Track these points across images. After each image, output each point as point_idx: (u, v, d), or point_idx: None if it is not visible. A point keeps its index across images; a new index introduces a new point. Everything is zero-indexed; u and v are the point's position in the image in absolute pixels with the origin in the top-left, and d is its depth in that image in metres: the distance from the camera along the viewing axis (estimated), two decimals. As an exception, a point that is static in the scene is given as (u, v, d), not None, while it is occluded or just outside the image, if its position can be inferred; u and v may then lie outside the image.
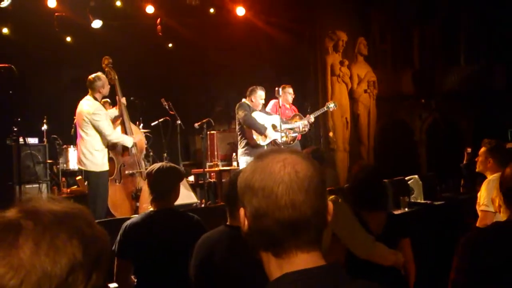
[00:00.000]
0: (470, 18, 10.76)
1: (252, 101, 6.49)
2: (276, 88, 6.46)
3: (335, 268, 1.03)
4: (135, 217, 3.08)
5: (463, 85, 10.61)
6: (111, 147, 5.78)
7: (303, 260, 1.02)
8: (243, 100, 6.55)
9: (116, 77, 5.88)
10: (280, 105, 6.53)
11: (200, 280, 2.29)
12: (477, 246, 2.04)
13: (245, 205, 1.06)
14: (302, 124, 6.78)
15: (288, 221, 1.00)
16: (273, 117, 6.56)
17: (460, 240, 2.12)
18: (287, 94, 7.04)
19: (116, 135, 5.65)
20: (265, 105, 6.75)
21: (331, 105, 7.23)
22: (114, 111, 6.03)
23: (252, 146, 6.40)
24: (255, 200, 1.02)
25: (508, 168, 2.14)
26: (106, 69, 5.90)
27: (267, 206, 1.01)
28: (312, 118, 6.99)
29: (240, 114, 6.40)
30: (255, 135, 6.41)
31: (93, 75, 5.64)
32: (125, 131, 5.88)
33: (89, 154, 5.51)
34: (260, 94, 6.48)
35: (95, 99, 5.59)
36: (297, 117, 7.03)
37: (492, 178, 3.69)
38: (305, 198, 1.01)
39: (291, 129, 6.72)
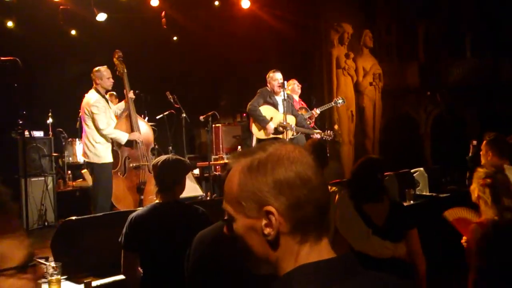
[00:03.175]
0: (476, 10, 10.68)
1: (269, 85, 6.47)
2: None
3: (347, 259, 1.03)
4: (141, 209, 3.08)
5: (468, 77, 10.54)
6: (115, 141, 5.79)
7: (324, 246, 1.04)
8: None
9: (125, 70, 5.91)
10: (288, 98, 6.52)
11: (198, 277, 2.26)
12: (493, 242, 1.95)
13: (275, 201, 1.01)
14: (321, 134, 6.67)
15: (322, 203, 1.03)
16: (288, 116, 6.38)
17: (478, 237, 2.04)
18: (294, 85, 7.04)
19: (109, 130, 5.64)
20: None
21: (339, 100, 7.20)
22: (122, 105, 6.05)
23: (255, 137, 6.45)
24: (294, 191, 1.01)
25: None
26: (115, 62, 5.93)
27: (308, 191, 1.01)
28: (318, 111, 7.01)
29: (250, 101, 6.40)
30: (254, 128, 6.39)
31: (95, 68, 5.69)
32: (131, 126, 5.87)
33: (91, 146, 5.59)
34: (272, 76, 6.42)
35: (97, 91, 5.66)
36: (303, 109, 7.02)
37: None
38: (323, 178, 1.06)
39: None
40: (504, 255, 1.89)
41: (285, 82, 6.33)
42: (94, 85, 5.69)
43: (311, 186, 1.02)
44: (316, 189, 1.02)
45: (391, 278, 1.05)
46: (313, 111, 6.98)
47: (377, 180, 3.11)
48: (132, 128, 5.86)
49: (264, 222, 1.02)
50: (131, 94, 5.93)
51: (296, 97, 7.07)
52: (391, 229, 3.07)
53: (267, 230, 1.02)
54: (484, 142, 3.94)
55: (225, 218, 1.09)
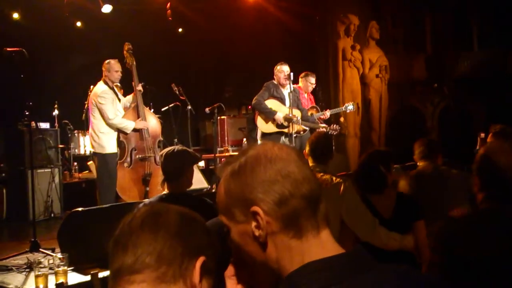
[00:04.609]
0: (483, 1, 10.58)
1: (275, 77, 6.43)
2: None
3: (357, 254, 1.01)
4: (149, 200, 3.09)
5: (476, 70, 10.46)
6: (122, 130, 5.81)
7: (326, 240, 1.02)
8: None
9: (134, 63, 5.98)
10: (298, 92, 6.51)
11: None
12: (453, 239, 1.88)
13: (259, 200, 1.00)
14: (326, 128, 6.63)
15: (310, 195, 1.01)
16: (294, 110, 6.31)
17: (435, 231, 2.00)
18: (307, 82, 6.93)
19: (117, 120, 5.72)
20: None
21: (350, 106, 7.10)
22: (130, 98, 6.10)
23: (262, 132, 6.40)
24: (276, 187, 1.00)
25: (483, 148, 2.04)
26: (125, 55, 6.00)
27: (291, 185, 1.00)
28: (328, 114, 6.94)
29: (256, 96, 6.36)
30: (260, 122, 6.34)
31: (106, 60, 5.81)
32: (138, 116, 5.91)
33: (96, 136, 5.70)
34: (279, 69, 6.37)
35: (106, 83, 5.77)
36: (314, 109, 6.98)
37: None
38: (310, 171, 1.05)
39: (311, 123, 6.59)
40: (467, 251, 1.83)
41: (292, 74, 6.29)
42: (103, 76, 5.79)
43: (294, 180, 1.01)
44: (300, 182, 1.01)
45: (409, 270, 1.02)
46: (324, 113, 6.91)
47: (380, 172, 3.12)
48: (138, 118, 5.91)
49: (253, 224, 1.01)
50: (139, 87, 6.00)
51: (305, 95, 7.01)
52: (398, 220, 3.07)
53: (257, 232, 1.01)
54: (490, 134, 3.95)
55: (225, 230, 1.09)
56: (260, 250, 1.03)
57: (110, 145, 5.71)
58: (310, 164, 3.24)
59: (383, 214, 3.09)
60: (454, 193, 3.57)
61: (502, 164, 1.92)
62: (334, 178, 3.12)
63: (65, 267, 3.32)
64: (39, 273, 3.31)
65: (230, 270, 1.14)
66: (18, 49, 4.80)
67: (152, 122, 6.08)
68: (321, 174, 3.15)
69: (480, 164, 2.00)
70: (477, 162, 2.02)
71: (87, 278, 3.48)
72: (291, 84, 6.18)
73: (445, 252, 1.88)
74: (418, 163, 3.87)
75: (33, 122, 5.93)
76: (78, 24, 9.00)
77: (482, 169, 1.99)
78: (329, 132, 6.53)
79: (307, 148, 3.33)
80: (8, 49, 4.82)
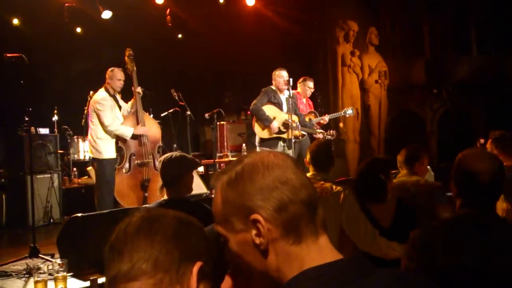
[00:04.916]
0: (481, 6, 10.62)
1: (274, 83, 6.43)
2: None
3: (355, 260, 1.01)
4: (148, 206, 3.09)
5: (475, 75, 10.47)
6: (121, 136, 5.82)
7: (324, 245, 1.02)
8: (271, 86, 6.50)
9: (135, 68, 5.99)
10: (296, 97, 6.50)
11: None
12: (427, 245, 1.86)
13: (259, 208, 1.00)
14: (323, 133, 6.64)
15: (308, 200, 1.02)
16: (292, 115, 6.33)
17: (410, 236, 1.97)
18: (305, 87, 6.95)
19: (115, 126, 5.74)
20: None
21: (349, 111, 7.17)
22: (130, 104, 6.10)
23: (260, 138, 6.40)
24: (275, 194, 1.00)
25: (459, 154, 2.04)
26: (126, 60, 6.03)
27: (289, 191, 1.00)
28: (327, 119, 6.96)
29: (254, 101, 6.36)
30: (257, 128, 6.34)
31: (111, 68, 5.86)
32: (137, 121, 5.92)
33: (93, 142, 5.75)
34: (278, 74, 6.39)
35: (106, 90, 5.82)
36: (312, 114, 6.99)
37: None
38: (306, 176, 1.05)
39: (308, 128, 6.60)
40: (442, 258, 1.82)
41: (291, 79, 6.31)
42: (106, 83, 5.84)
43: (292, 187, 1.01)
44: (298, 188, 1.01)
45: (408, 274, 1.03)
46: (322, 118, 6.92)
47: (379, 181, 3.10)
48: (138, 123, 5.92)
49: (253, 232, 1.00)
50: (138, 89, 6.00)
51: (304, 100, 7.02)
52: (398, 230, 3.05)
53: (258, 240, 1.00)
54: (490, 140, 3.96)
55: (222, 240, 1.08)
56: (260, 258, 1.02)
57: (107, 151, 5.74)
58: (311, 172, 3.23)
59: (383, 223, 3.06)
60: (422, 205, 3.58)
61: (477, 170, 1.93)
62: (334, 187, 3.10)
63: (65, 273, 3.31)
64: (39, 279, 3.30)
65: (227, 282, 1.12)
66: (17, 54, 4.81)
67: (152, 128, 6.08)
68: (322, 182, 3.13)
69: (456, 171, 2.01)
70: (454, 168, 2.02)
71: (87, 283, 3.47)
72: (290, 89, 6.19)
73: (421, 259, 1.86)
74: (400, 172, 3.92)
75: (32, 127, 5.94)
76: (78, 30, 9.02)
77: (458, 175, 2.00)
78: (326, 137, 6.56)
79: (307, 157, 3.31)
80: (8, 54, 4.84)
